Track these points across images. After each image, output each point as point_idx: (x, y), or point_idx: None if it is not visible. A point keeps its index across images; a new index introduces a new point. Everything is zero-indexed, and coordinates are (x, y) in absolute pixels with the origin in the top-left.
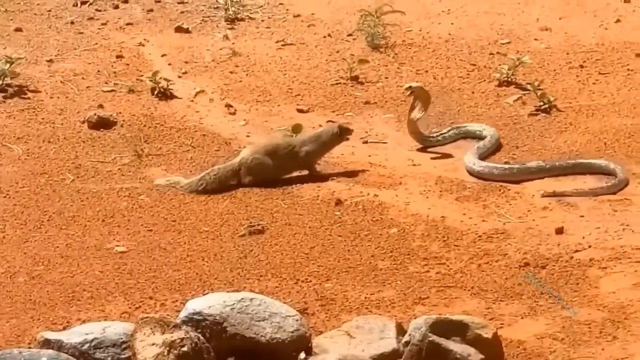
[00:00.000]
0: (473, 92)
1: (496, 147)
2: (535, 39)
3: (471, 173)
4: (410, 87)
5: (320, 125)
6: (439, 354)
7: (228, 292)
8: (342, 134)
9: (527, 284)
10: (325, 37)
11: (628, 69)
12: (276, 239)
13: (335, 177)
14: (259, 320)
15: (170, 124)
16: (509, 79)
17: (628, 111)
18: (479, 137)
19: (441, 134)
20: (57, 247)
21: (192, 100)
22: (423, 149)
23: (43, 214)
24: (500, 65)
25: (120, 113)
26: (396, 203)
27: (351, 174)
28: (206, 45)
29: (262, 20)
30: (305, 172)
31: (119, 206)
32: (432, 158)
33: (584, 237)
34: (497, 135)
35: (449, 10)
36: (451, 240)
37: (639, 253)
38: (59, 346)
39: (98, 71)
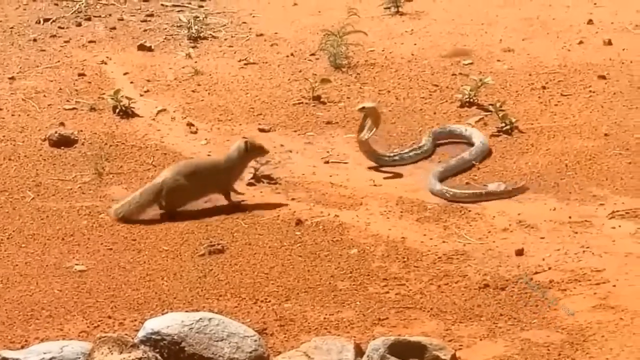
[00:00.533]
0: (435, 113)
1: (463, 169)
2: (498, 60)
3: (433, 193)
4: (363, 107)
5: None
6: None
7: (187, 311)
8: (250, 149)
9: (487, 305)
10: (288, 56)
11: (590, 91)
12: (236, 258)
13: (295, 197)
14: (217, 341)
15: (132, 143)
16: (471, 100)
17: (589, 133)
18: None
19: (399, 153)
20: (16, 265)
21: (154, 119)
22: (377, 168)
23: (2, 231)
24: (462, 86)
25: (81, 131)
26: (356, 223)
27: (312, 194)
28: (169, 63)
29: (225, 39)
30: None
31: (79, 224)
32: (392, 178)
33: (543, 259)
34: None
35: (412, 30)
36: (411, 261)
37: (598, 275)
38: None
39: (60, 89)
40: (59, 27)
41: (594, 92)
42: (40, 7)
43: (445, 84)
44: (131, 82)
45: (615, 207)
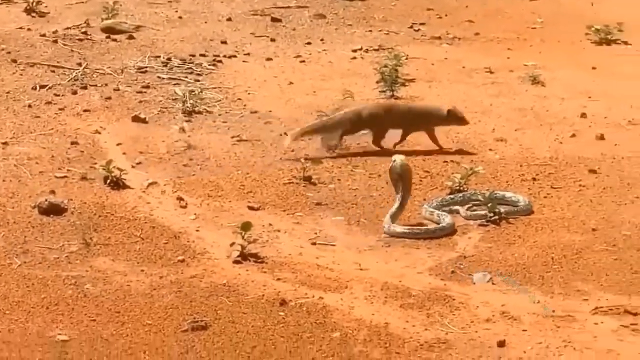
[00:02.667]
0: (424, 199)
1: None
2: (490, 149)
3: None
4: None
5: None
6: None
7: None
8: (450, 116)
9: None
10: (281, 135)
11: (580, 185)
12: (219, 336)
13: (281, 277)
14: None
15: (121, 214)
16: (461, 188)
17: (577, 227)
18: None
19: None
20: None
21: (144, 191)
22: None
23: None
24: (453, 174)
25: (71, 200)
26: (340, 307)
27: (297, 275)
28: (162, 136)
29: (219, 115)
30: None
31: (64, 294)
32: (378, 263)
33: (525, 352)
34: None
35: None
36: (393, 347)
37: None
38: None
39: (52, 156)
40: (55, 94)
41: (584, 186)
42: (37, 73)
43: (437, 170)
44: (124, 153)
45: (599, 303)
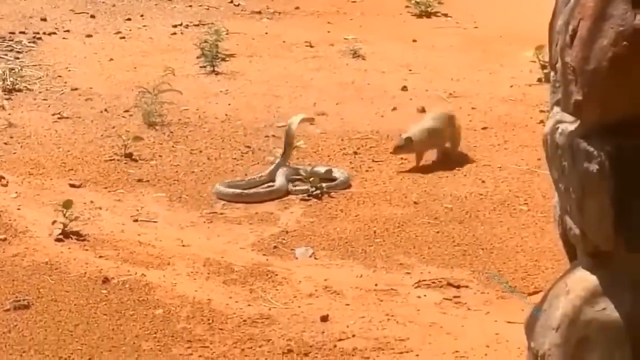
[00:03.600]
0: (246, 175)
1: None
2: (311, 124)
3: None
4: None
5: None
6: None
7: None
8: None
9: None
10: (102, 112)
11: (401, 158)
12: (41, 315)
13: (103, 255)
14: None
15: None
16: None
17: (399, 200)
18: None
19: None
20: None
21: None
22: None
23: None
24: (274, 148)
25: None
26: (163, 284)
27: (120, 252)
28: None
29: (40, 92)
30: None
31: None
32: (200, 239)
33: (348, 326)
34: None
35: (227, 90)
36: (216, 324)
37: (401, 344)
38: None
39: None
40: None
41: (404, 159)
42: None
43: (258, 145)
44: None
45: (421, 277)
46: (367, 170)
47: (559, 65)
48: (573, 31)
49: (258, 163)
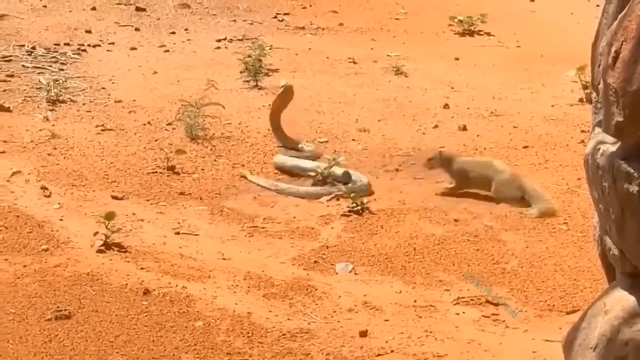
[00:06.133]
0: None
1: None
2: (353, 140)
3: None
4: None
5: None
6: None
7: None
8: None
9: None
10: (145, 124)
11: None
12: (82, 325)
13: (144, 267)
14: None
15: None
16: (324, 178)
17: (439, 218)
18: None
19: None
20: None
21: (8, 180)
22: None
23: None
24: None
25: None
26: (203, 296)
27: (161, 264)
28: (26, 125)
29: (84, 104)
30: None
31: None
32: (241, 253)
33: (387, 342)
34: None
35: (269, 105)
36: (255, 337)
37: None
38: None
39: None
40: None
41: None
42: None
43: None
44: None
45: (460, 294)
46: (405, 186)
47: (601, 86)
48: (615, 53)
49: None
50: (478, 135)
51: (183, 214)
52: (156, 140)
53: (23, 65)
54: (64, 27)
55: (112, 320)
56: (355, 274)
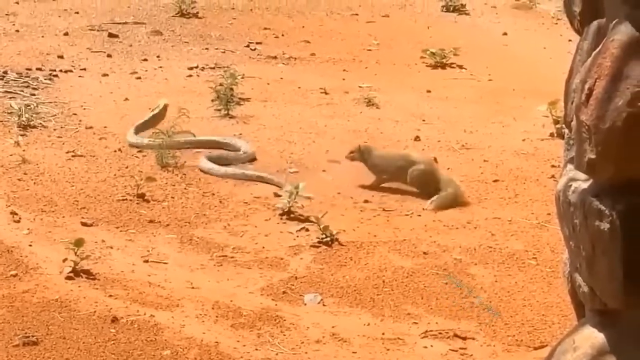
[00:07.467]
0: (256, 224)
1: None
2: (323, 170)
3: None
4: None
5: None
6: None
7: None
8: None
9: None
10: (115, 151)
11: (414, 209)
12: (49, 351)
13: (113, 294)
14: None
15: None
16: (291, 210)
17: (408, 250)
18: None
19: None
20: None
21: None
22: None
23: None
24: (279, 196)
25: None
26: (171, 325)
27: (129, 292)
28: None
29: (55, 130)
30: None
31: None
32: (209, 282)
33: None
34: None
35: (240, 134)
36: None
37: None
38: None
39: None
40: None
41: (414, 211)
42: None
43: (265, 194)
44: None
45: (428, 327)
46: (376, 219)
47: (573, 123)
48: (589, 90)
49: (268, 208)
50: (448, 168)
51: (152, 242)
52: (127, 167)
53: None
54: (36, 52)
55: (79, 347)
56: (324, 305)
